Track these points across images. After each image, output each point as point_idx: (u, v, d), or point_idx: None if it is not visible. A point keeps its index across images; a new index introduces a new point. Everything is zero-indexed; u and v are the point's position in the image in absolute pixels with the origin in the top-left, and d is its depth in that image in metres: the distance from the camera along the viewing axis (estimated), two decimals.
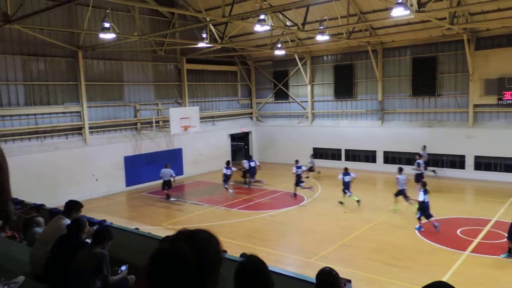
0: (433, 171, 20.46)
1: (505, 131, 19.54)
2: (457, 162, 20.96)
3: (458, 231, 12.90)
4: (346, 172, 16.41)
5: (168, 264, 1.46)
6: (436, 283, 1.81)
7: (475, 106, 20.45)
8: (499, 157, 19.81)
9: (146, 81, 22.36)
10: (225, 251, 5.89)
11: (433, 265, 10.39)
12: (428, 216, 12.90)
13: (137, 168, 20.95)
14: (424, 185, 13.31)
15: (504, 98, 19.32)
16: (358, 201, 15.85)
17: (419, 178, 17.65)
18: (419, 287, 1.86)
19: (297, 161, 18.24)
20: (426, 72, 21.86)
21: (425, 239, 12.33)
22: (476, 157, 20.39)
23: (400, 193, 15.25)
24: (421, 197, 12.89)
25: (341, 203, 16.30)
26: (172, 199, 18.23)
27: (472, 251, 11.25)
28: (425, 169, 19.23)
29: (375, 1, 17.79)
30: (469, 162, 20.57)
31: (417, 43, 21.79)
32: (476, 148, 20.26)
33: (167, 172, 18.02)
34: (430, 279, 1.91)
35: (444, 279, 9.01)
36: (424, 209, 12.92)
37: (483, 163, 20.28)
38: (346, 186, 16.23)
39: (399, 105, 23.02)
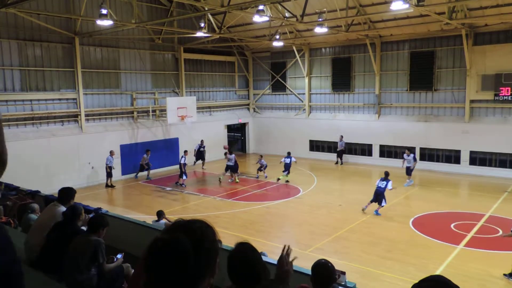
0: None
1: (501, 126, 19.62)
2: (452, 157, 21.06)
3: (452, 225, 13.00)
4: (288, 155, 19.11)
5: (166, 254, 1.47)
6: (434, 277, 1.81)
7: (472, 101, 20.50)
8: (494, 152, 19.94)
9: (143, 69, 22.21)
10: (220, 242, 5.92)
11: (426, 258, 10.48)
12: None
13: (134, 156, 20.88)
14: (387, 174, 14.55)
15: (500, 94, 19.38)
16: (287, 181, 18.62)
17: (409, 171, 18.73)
18: (412, 280, 1.87)
19: (289, 153, 19.59)
20: (423, 67, 21.85)
21: (419, 233, 12.42)
22: (472, 152, 20.51)
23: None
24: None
25: (278, 179, 18.84)
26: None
27: (466, 245, 11.35)
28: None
29: None
30: (465, 157, 20.68)
31: (415, 37, 21.74)
32: (471, 144, 20.36)
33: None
34: (424, 272, 1.92)
35: (437, 273, 9.11)
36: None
37: (478, 158, 20.40)
38: (286, 167, 18.75)
39: (396, 99, 23.03)
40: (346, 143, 24.14)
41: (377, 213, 14.15)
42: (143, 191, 18.17)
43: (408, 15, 19.05)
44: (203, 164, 22.79)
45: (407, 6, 13.00)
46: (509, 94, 19.14)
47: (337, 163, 23.70)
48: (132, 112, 21.63)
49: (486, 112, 20.36)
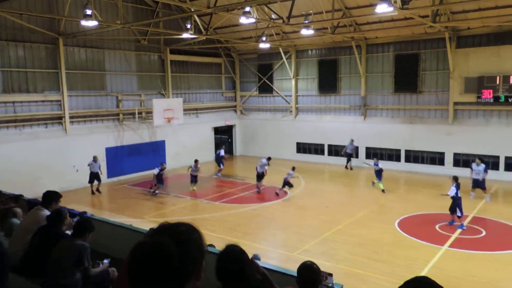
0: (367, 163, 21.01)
1: (483, 128, 20.00)
2: (437, 158, 21.37)
3: (437, 226, 13.18)
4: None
5: (149, 257, 1.45)
6: (419, 278, 1.83)
7: (455, 103, 20.84)
8: (477, 154, 20.23)
9: (128, 70, 21.99)
10: (213, 246, 5.87)
11: (412, 259, 10.59)
12: None
13: (119, 159, 20.66)
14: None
15: (482, 97, 19.74)
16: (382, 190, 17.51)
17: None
18: (398, 280, 1.87)
19: (269, 158, 18.81)
20: (408, 69, 22.14)
21: (405, 234, 12.55)
22: (455, 154, 20.84)
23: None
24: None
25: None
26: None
27: (450, 246, 11.51)
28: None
29: None
30: (449, 158, 21.00)
31: (400, 40, 22.02)
32: (455, 145, 20.70)
33: (96, 165, 17.82)
34: (409, 273, 1.93)
35: (422, 274, 9.22)
36: None
37: (461, 160, 20.74)
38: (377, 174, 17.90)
39: (382, 101, 23.28)
40: (332, 145, 24.28)
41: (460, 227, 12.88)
42: (128, 195, 17.94)
43: (393, 18, 19.28)
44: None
45: (391, 9, 13.15)
46: (490, 96, 19.52)
47: (346, 167, 22.72)
48: (118, 114, 21.39)
49: (469, 114, 20.73)
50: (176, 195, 17.80)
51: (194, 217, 13.88)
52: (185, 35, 19.80)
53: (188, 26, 19.38)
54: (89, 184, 17.93)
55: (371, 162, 18.33)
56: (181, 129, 23.22)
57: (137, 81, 22.46)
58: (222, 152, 22.29)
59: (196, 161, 18.56)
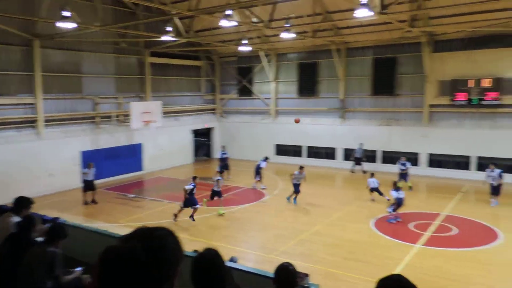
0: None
1: (456, 130, 20.63)
2: (412, 159, 21.82)
3: (411, 225, 13.48)
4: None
5: (118, 263, 1.41)
6: (393, 276, 1.90)
7: (430, 106, 21.39)
8: (450, 154, 20.91)
9: (106, 73, 21.69)
10: (197, 251, 5.87)
11: (387, 258, 10.81)
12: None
13: (95, 163, 20.26)
14: None
15: (455, 99, 20.34)
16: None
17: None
18: (374, 279, 1.94)
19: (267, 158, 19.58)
20: (386, 72, 22.62)
21: (380, 233, 12.80)
22: (430, 155, 21.39)
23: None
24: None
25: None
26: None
27: (424, 244, 11.81)
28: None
29: (341, 1, 18.17)
30: (423, 159, 21.54)
31: (379, 44, 22.46)
32: (430, 146, 21.25)
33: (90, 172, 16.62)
34: (385, 272, 2.00)
35: (397, 272, 9.41)
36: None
37: (435, 161, 21.30)
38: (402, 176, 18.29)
39: (360, 103, 23.66)
40: (312, 147, 24.51)
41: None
42: (104, 199, 17.48)
43: (372, 22, 19.62)
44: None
45: (371, 13, 13.41)
46: (464, 99, 20.12)
47: (353, 171, 22.31)
48: (94, 118, 21.05)
49: (443, 116, 21.31)
50: (154, 198, 17.64)
51: (171, 221, 13.76)
52: (166, 38, 19.67)
53: (169, 28, 19.27)
54: (83, 193, 16.58)
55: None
56: (160, 132, 23.03)
57: (115, 83, 22.17)
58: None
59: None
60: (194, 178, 14.20)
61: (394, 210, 13.85)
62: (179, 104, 26.25)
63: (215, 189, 15.05)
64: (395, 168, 22.21)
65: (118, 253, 1.44)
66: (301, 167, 16.35)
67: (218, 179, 15.46)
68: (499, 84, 19.32)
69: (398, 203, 13.82)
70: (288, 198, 16.26)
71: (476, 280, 9.63)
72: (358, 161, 22.31)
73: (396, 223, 13.75)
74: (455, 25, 19.21)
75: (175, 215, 13.76)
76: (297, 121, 20.31)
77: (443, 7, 16.83)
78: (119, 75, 22.30)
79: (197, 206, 13.71)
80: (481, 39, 19.61)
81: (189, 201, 13.66)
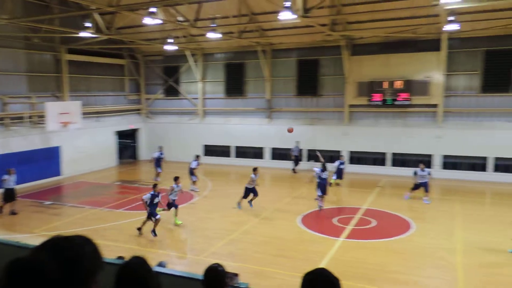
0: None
1: (373, 128, 22.16)
2: (334, 156, 22.97)
3: (334, 220, 14.17)
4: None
5: (25, 277, 1.31)
6: (317, 270, 1.95)
7: (350, 106, 22.70)
8: (369, 151, 22.39)
9: (16, 71, 19.89)
10: (122, 257, 5.56)
11: (313, 252, 11.23)
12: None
13: (5, 169, 18.52)
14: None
15: (372, 100, 21.81)
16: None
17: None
18: (301, 274, 1.98)
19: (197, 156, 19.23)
20: (309, 74, 23.56)
21: (306, 229, 13.27)
22: (352, 152, 22.70)
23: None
24: None
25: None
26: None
27: (346, 237, 12.46)
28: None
29: (266, 3, 18.52)
30: (345, 156, 22.73)
31: (302, 47, 23.31)
32: (350, 144, 22.55)
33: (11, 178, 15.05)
34: (310, 266, 2.05)
35: (321, 265, 9.82)
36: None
37: (356, 158, 22.66)
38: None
39: (285, 104, 24.37)
40: (239, 147, 24.69)
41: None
42: (17, 207, 16.03)
43: (296, 25, 20.28)
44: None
45: (294, 16, 13.84)
46: (379, 99, 21.63)
47: (294, 171, 22.44)
48: (3, 119, 19.19)
49: (362, 116, 22.74)
50: (74, 205, 16.55)
51: (94, 227, 13.02)
52: (84, 34, 18.53)
53: (88, 24, 18.15)
54: (1, 202, 14.85)
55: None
56: (80, 134, 21.70)
57: (27, 82, 20.42)
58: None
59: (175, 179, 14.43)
60: (154, 186, 13.02)
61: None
62: (101, 104, 24.93)
63: (172, 197, 13.80)
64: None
65: (24, 266, 1.34)
66: (255, 169, 15.55)
67: (174, 187, 13.93)
68: (409, 86, 21.06)
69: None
70: (239, 204, 15.40)
71: (392, 268, 10.37)
72: (297, 160, 22.79)
73: (322, 218, 14.37)
74: (371, 30, 20.61)
75: (139, 229, 12.60)
76: (290, 131, 19.08)
77: (360, 13, 18.01)
78: (31, 73, 20.58)
79: (158, 217, 12.63)
80: (394, 44, 21.24)
81: (150, 212, 12.57)
